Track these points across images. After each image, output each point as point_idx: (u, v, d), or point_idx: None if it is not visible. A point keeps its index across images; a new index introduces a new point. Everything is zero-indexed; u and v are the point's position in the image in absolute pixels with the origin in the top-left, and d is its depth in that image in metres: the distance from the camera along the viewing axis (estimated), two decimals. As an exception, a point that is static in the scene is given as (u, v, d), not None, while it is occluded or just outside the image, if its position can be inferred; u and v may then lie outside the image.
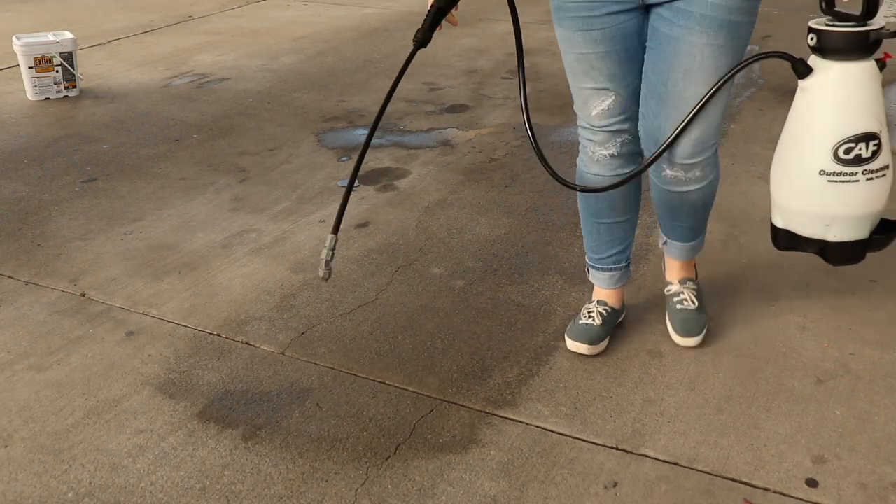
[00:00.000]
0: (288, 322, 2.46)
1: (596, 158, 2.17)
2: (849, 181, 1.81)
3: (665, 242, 2.36)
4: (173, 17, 6.19)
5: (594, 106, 2.10)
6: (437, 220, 3.07)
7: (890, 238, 1.95)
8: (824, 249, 1.93)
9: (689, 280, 2.39)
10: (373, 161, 3.60)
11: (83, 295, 2.61)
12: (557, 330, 2.40)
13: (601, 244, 2.32)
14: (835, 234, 1.90)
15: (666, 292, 2.40)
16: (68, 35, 4.48)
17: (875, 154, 1.80)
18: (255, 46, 5.42)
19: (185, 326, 2.44)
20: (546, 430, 2.02)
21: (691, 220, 2.25)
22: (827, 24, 1.78)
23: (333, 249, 2.03)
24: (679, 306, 2.34)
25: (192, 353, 2.32)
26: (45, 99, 4.40)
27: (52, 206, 3.21)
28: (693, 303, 2.34)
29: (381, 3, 6.60)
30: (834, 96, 1.81)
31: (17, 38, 4.41)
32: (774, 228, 2.03)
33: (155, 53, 5.28)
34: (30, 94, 4.40)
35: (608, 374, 2.22)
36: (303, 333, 2.40)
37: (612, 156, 2.15)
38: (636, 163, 2.17)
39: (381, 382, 2.20)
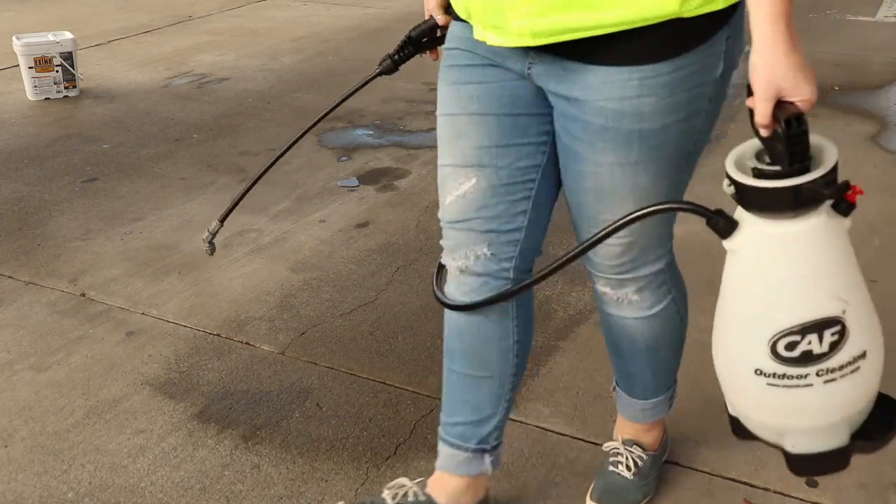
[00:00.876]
0: (288, 322, 2.46)
1: (449, 271, 1.55)
2: (797, 386, 1.24)
3: (614, 388, 1.83)
4: (173, 17, 6.19)
5: (449, 191, 1.51)
6: (437, 220, 3.06)
7: (883, 441, 1.35)
8: (787, 457, 1.35)
9: (637, 444, 1.78)
10: (373, 161, 3.60)
11: (83, 295, 2.61)
12: (557, 330, 2.40)
13: (450, 401, 1.63)
14: (792, 445, 1.32)
15: (604, 447, 1.83)
16: (68, 35, 4.48)
17: (836, 346, 1.23)
18: (255, 46, 5.41)
19: (185, 326, 2.44)
20: (546, 430, 2.02)
21: (636, 365, 1.70)
22: (750, 166, 1.22)
23: (214, 234, 1.92)
24: (610, 467, 1.76)
25: (192, 353, 2.32)
26: (45, 99, 4.40)
27: (52, 206, 3.21)
28: (629, 468, 1.74)
29: (381, 3, 6.60)
30: (763, 269, 1.24)
31: (17, 38, 4.41)
32: (729, 415, 1.44)
33: (155, 53, 5.27)
34: (30, 94, 4.40)
35: (608, 374, 2.21)
36: (303, 333, 2.40)
37: (461, 271, 1.51)
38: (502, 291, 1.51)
39: (381, 382, 2.20)
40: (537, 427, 2.03)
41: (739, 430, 1.44)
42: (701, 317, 2.46)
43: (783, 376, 1.24)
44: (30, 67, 4.34)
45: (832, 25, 5.99)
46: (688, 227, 2.99)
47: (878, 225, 3.01)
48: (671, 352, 1.69)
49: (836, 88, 4.53)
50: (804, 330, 1.21)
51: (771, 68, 1.16)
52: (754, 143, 1.24)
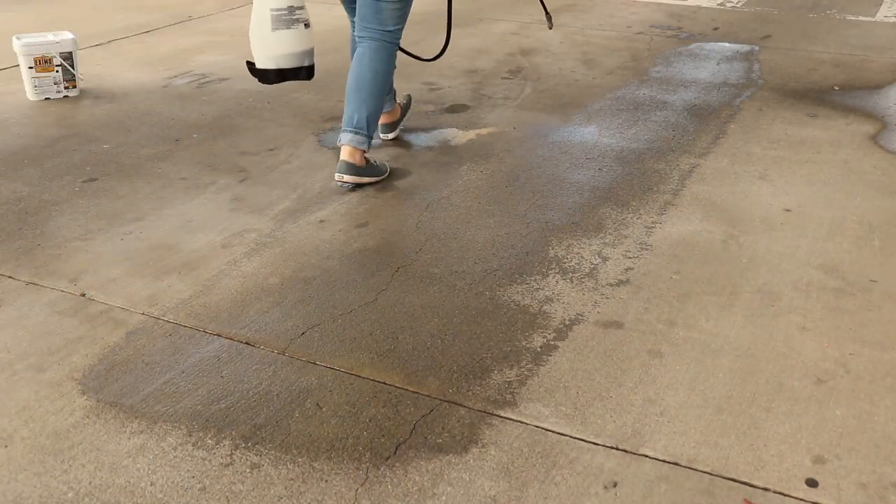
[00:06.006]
0: (288, 322, 2.46)
1: None
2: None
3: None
4: (173, 17, 6.19)
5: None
6: (437, 220, 3.07)
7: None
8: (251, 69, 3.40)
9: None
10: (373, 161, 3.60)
11: (83, 295, 2.61)
12: (557, 330, 2.40)
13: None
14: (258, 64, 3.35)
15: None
16: (68, 35, 4.48)
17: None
18: (255, 46, 5.41)
19: (185, 326, 2.44)
20: (546, 430, 2.02)
21: None
22: None
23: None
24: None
25: (192, 353, 2.32)
26: (45, 99, 4.40)
27: (52, 206, 3.21)
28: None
29: (381, 3, 6.59)
30: None
31: (17, 38, 4.41)
32: (254, 70, 3.40)
33: (155, 53, 5.28)
34: (30, 94, 4.40)
35: (608, 374, 2.22)
36: (303, 333, 2.40)
37: None
38: None
39: (381, 382, 2.20)
40: (537, 427, 2.03)
41: (257, 74, 3.40)
42: (701, 317, 2.47)
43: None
44: (30, 67, 4.34)
45: (832, 25, 5.99)
46: (688, 227, 3.00)
47: (878, 225, 3.01)
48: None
49: (837, 88, 4.53)
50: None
51: None
52: None
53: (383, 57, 3.31)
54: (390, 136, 3.79)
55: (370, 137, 3.33)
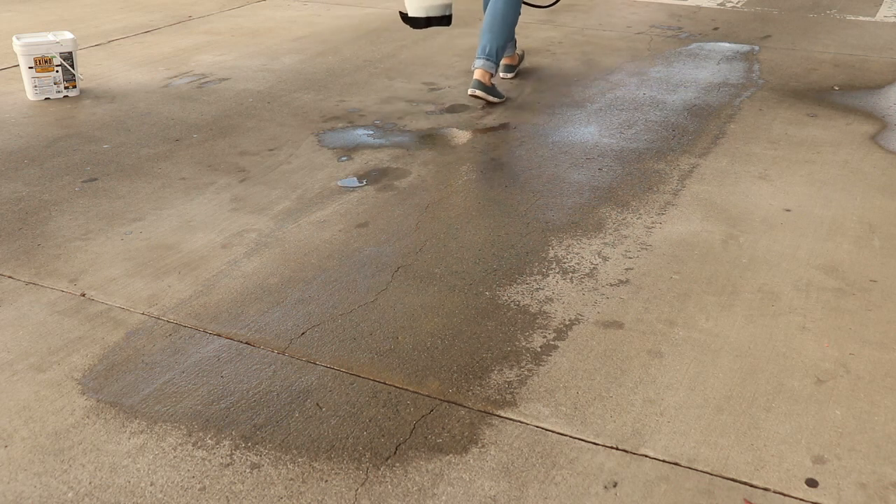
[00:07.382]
0: (288, 322, 2.46)
1: None
2: None
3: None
4: (173, 17, 6.19)
5: None
6: (437, 220, 3.07)
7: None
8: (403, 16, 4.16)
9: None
10: (373, 161, 3.60)
11: (83, 295, 2.61)
12: (557, 330, 2.40)
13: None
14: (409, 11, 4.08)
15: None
16: (68, 35, 4.48)
17: None
18: (255, 46, 5.42)
19: (185, 326, 2.44)
20: (546, 430, 2.02)
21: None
22: None
23: None
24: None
25: (192, 353, 2.32)
26: (45, 99, 4.40)
27: (52, 206, 3.21)
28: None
29: (381, 3, 6.60)
30: None
31: (17, 38, 4.41)
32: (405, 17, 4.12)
33: (155, 53, 5.28)
34: (30, 94, 4.40)
35: (608, 374, 2.22)
36: (303, 333, 2.40)
37: None
38: None
39: (381, 382, 2.20)
40: (537, 427, 2.03)
41: (409, 21, 4.15)
42: (701, 316, 2.47)
43: None
44: (30, 67, 4.34)
45: (832, 25, 5.99)
46: (688, 227, 3.00)
47: (879, 225, 3.01)
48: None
49: (837, 88, 4.53)
50: None
51: None
52: None
53: (510, 3, 4.22)
54: (510, 75, 4.71)
55: (497, 64, 4.23)
